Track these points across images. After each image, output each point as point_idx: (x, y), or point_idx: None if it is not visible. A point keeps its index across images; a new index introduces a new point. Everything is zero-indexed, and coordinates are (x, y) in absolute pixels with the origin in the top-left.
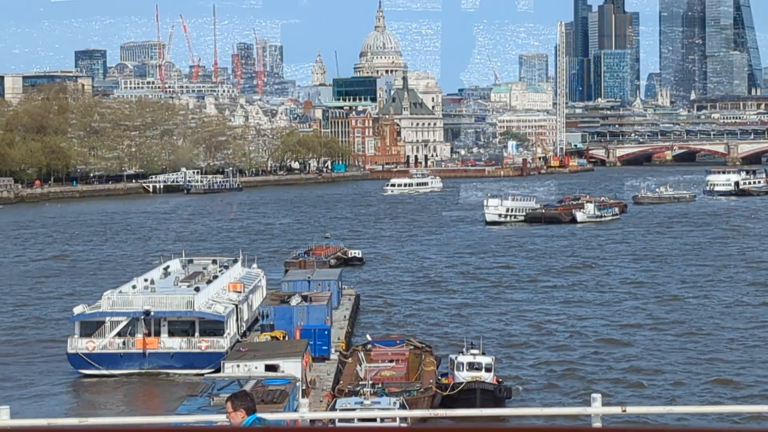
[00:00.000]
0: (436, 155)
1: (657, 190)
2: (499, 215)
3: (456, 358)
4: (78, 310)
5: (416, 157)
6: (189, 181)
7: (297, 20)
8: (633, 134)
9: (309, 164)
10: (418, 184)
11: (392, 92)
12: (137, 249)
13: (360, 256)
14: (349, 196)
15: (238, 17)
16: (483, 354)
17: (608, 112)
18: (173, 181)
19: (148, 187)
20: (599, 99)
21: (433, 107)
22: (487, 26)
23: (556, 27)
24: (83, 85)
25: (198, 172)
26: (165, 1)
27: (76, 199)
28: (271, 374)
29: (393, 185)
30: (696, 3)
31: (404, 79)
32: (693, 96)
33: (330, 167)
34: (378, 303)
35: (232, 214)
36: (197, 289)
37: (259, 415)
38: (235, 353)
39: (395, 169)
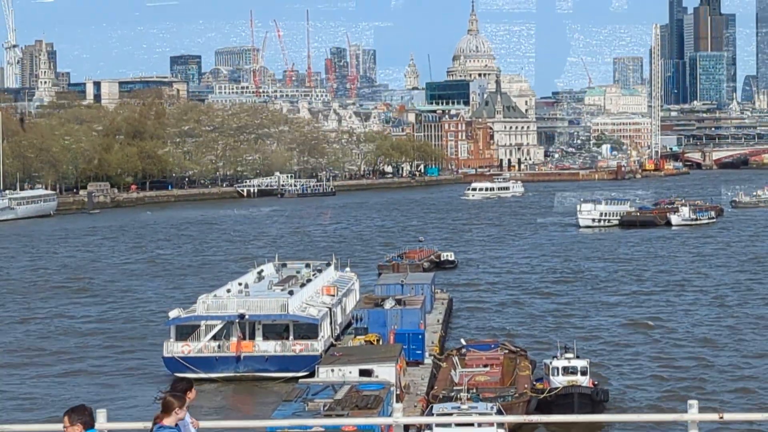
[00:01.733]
0: (530, 159)
1: (755, 193)
2: (593, 219)
3: (551, 362)
4: (173, 314)
5: (509, 160)
6: (283, 186)
7: (390, 23)
8: (729, 137)
9: (402, 168)
10: (499, 189)
11: (485, 96)
12: (231, 253)
13: (453, 259)
14: (437, 200)
15: (331, 21)
16: (578, 357)
17: (704, 114)
18: (267, 186)
19: (242, 191)
20: (695, 102)
21: (526, 110)
22: (581, 28)
23: (651, 29)
24: (178, 90)
25: (291, 177)
26: (259, 6)
27: (171, 204)
28: (365, 379)
29: (474, 189)
30: None
31: (497, 82)
32: None
33: (423, 171)
34: (471, 307)
35: (327, 219)
36: (291, 293)
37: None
38: (329, 357)
39: (488, 173)
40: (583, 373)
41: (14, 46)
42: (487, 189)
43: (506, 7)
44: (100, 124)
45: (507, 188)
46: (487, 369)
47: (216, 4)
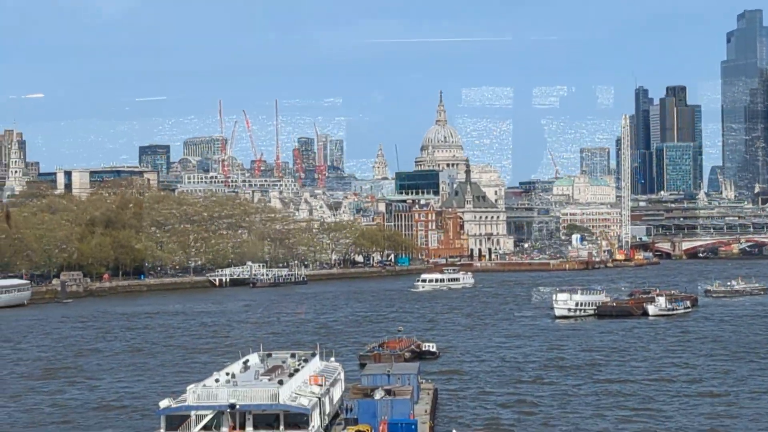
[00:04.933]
0: (500, 248)
1: (729, 283)
2: (569, 309)
3: None
4: (164, 404)
5: (480, 250)
6: (255, 275)
7: (358, 116)
8: (698, 228)
9: (373, 257)
10: (449, 280)
11: (455, 185)
12: (211, 343)
13: (434, 350)
14: (391, 290)
15: (299, 113)
16: None
17: (672, 205)
18: (239, 275)
19: (215, 280)
20: (662, 192)
21: (496, 200)
22: (548, 120)
23: (621, 120)
24: (149, 180)
25: (263, 266)
26: (228, 97)
27: (144, 293)
28: None
29: (424, 281)
30: (758, 96)
31: (467, 172)
32: (757, 189)
33: (394, 260)
34: (457, 397)
35: (302, 313)
36: (281, 382)
37: None
38: None
39: (459, 262)
40: None
41: None
42: (437, 280)
43: (485, 102)
44: (72, 214)
45: (457, 279)
46: None
47: (183, 96)
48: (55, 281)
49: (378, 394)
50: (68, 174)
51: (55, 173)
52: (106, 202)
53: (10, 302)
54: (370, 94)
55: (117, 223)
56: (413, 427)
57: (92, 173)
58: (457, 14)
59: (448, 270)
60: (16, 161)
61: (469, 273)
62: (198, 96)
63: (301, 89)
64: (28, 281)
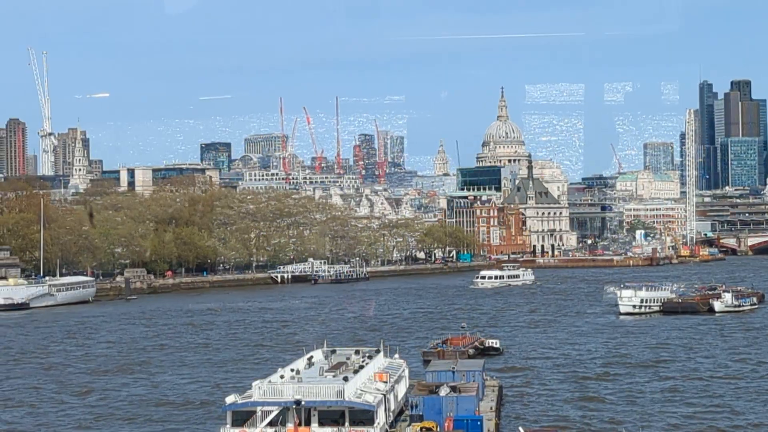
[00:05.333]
0: (563, 244)
1: None
2: (634, 306)
3: None
4: (230, 399)
5: (542, 246)
6: (316, 272)
7: (421, 112)
8: (764, 223)
9: (434, 254)
10: (509, 277)
11: (517, 181)
12: (275, 340)
13: (497, 346)
14: (451, 287)
15: (360, 110)
16: None
17: (737, 200)
18: (301, 272)
19: (276, 277)
20: (727, 187)
21: (558, 196)
22: (615, 116)
23: (685, 115)
24: (210, 177)
25: (324, 262)
26: (289, 94)
27: (207, 290)
28: None
29: (483, 278)
30: None
31: (529, 168)
32: None
33: (455, 257)
34: (522, 394)
35: (370, 311)
36: (346, 379)
37: None
38: None
39: (521, 259)
40: None
41: (50, 134)
42: (496, 277)
43: (543, 99)
44: (135, 211)
45: (517, 276)
46: None
47: (245, 94)
48: (119, 278)
49: (443, 391)
50: (131, 172)
51: (118, 171)
52: (169, 199)
53: (75, 299)
54: (433, 91)
55: (180, 220)
56: (479, 423)
57: (155, 171)
58: (528, 8)
59: (507, 266)
60: (80, 159)
61: (529, 270)
62: (259, 94)
63: (362, 86)
64: (93, 278)
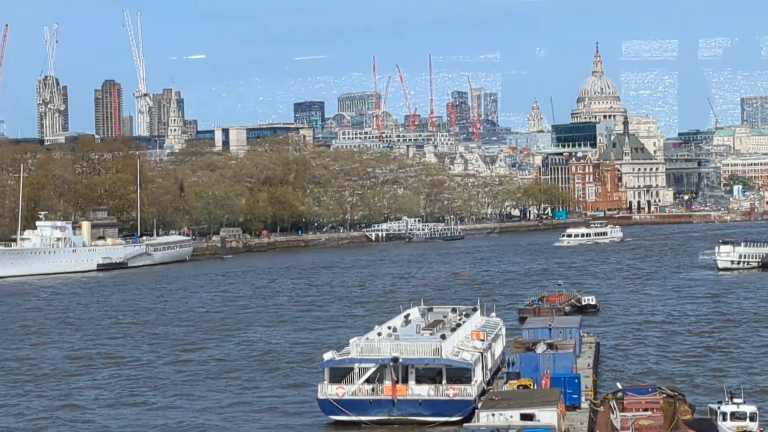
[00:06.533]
0: (659, 200)
1: None
2: (732, 261)
3: (718, 407)
4: (327, 356)
5: (638, 202)
6: (411, 230)
7: (515, 70)
8: None
9: (529, 211)
10: (596, 234)
11: (612, 137)
12: (371, 297)
13: (594, 303)
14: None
15: (454, 69)
16: (745, 403)
17: None
18: (395, 230)
19: (371, 235)
20: None
21: (654, 152)
22: (711, 72)
23: None
24: (304, 136)
25: (419, 221)
26: (382, 54)
27: (302, 249)
28: (530, 423)
29: (569, 236)
30: None
31: (625, 123)
32: None
33: (551, 214)
34: (619, 350)
35: (465, 275)
36: (443, 337)
37: None
38: (489, 402)
39: (617, 215)
40: (752, 419)
41: (145, 95)
42: (582, 235)
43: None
44: (230, 171)
45: (604, 233)
46: (648, 413)
47: (338, 55)
48: (214, 238)
49: (540, 348)
50: (225, 131)
51: (212, 131)
52: (264, 159)
53: (172, 258)
54: (528, 49)
55: (274, 179)
56: (576, 381)
57: (249, 130)
58: None
59: (594, 224)
60: (174, 120)
61: (617, 227)
62: (352, 54)
63: (456, 45)
64: (190, 237)
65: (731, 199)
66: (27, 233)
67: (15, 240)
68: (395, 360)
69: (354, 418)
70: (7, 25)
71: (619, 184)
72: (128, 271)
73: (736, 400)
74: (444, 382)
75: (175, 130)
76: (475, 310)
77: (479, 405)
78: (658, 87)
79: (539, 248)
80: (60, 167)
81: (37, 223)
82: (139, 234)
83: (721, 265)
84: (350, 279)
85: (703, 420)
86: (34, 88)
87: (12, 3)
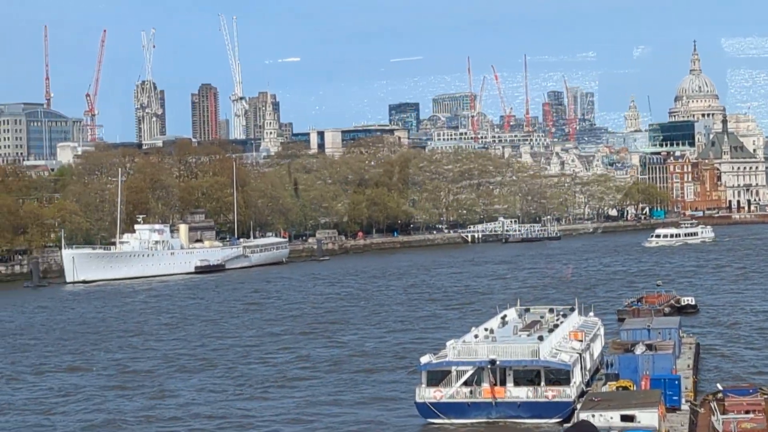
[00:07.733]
0: (759, 199)
1: None
2: None
3: None
4: (425, 359)
5: (738, 201)
6: (507, 231)
7: (611, 68)
8: None
9: (627, 211)
10: (686, 235)
11: (711, 136)
12: (468, 298)
13: (694, 303)
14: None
15: (549, 69)
16: None
17: None
18: (491, 231)
19: (467, 236)
20: None
21: (754, 150)
22: None
23: None
24: (399, 138)
25: (515, 221)
26: (476, 54)
27: (398, 250)
28: (630, 425)
29: (658, 236)
30: None
31: (724, 122)
32: None
33: (649, 214)
34: (720, 351)
35: (569, 276)
36: (541, 338)
37: None
38: (589, 403)
39: (717, 215)
40: None
41: (241, 98)
42: (672, 235)
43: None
44: (326, 173)
45: (695, 234)
46: (750, 416)
47: (432, 55)
48: (311, 240)
49: (639, 349)
50: (321, 134)
51: (308, 133)
52: (360, 161)
53: (269, 260)
54: (625, 47)
55: (370, 181)
56: (676, 382)
57: (344, 132)
58: None
59: (685, 224)
60: (270, 123)
61: (709, 227)
62: (446, 54)
63: (551, 44)
64: (287, 239)
65: None
66: (126, 236)
67: (114, 243)
68: (493, 362)
69: (453, 421)
70: (105, 31)
71: (719, 183)
72: (226, 273)
73: None
74: (542, 383)
75: (270, 132)
76: (572, 310)
77: (578, 406)
78: (759, 85)
79: (626, 249)
80: (158, 171)
81: (136, 226)
82: (236, 236)
83: None
84: (446, 280)
85: None
86: (132, 93)
87: (109, 10)
